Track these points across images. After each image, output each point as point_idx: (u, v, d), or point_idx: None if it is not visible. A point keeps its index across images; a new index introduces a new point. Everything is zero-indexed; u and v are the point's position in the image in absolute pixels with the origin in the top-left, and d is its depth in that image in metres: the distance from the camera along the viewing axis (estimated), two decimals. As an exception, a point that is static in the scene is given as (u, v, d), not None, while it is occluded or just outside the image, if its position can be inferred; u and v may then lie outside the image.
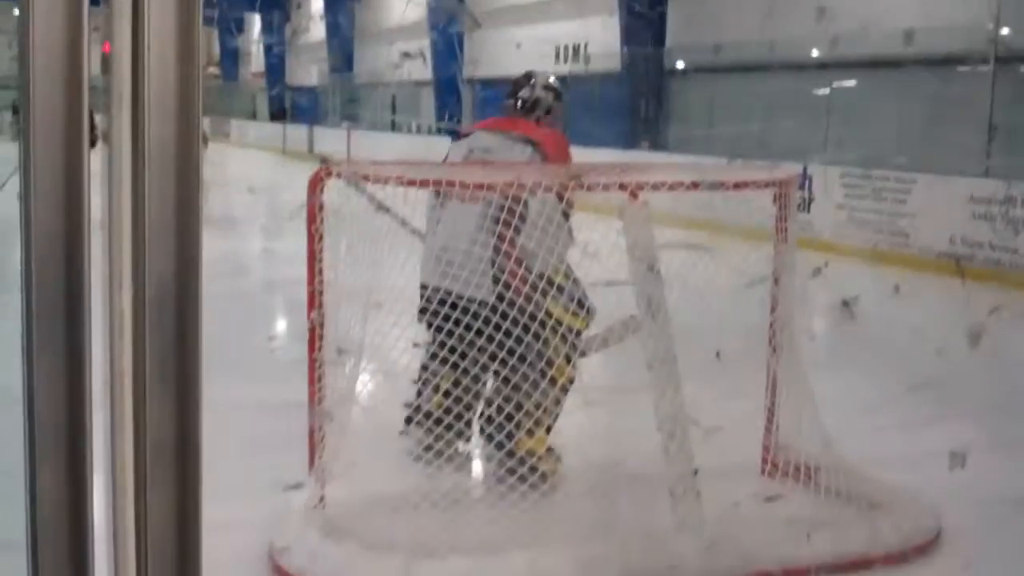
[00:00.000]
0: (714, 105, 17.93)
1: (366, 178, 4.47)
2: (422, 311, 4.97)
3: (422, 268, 5.09)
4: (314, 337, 4.46)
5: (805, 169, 13.52)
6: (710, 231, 5.18)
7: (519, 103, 5.49)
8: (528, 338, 4.65)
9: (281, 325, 9.51)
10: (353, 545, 4.02)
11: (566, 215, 5.08)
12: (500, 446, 4.81)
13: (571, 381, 5.03)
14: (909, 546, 4.39)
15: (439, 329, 4.86)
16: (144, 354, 0.84)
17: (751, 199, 5.08)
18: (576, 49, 22.62)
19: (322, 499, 4.36)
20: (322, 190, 4.50)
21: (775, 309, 5.04)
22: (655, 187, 4.81)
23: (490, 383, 5.03)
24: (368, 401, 4.87)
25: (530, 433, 4.90)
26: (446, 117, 26.25)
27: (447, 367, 4.87)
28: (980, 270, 10.86)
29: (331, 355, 4.45)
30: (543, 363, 4.83)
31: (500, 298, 4.72)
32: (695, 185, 5.04)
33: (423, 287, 5.01)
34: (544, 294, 4.75)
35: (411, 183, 4.61)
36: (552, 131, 5.51)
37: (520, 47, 22.43)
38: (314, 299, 4.49)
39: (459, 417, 4.85)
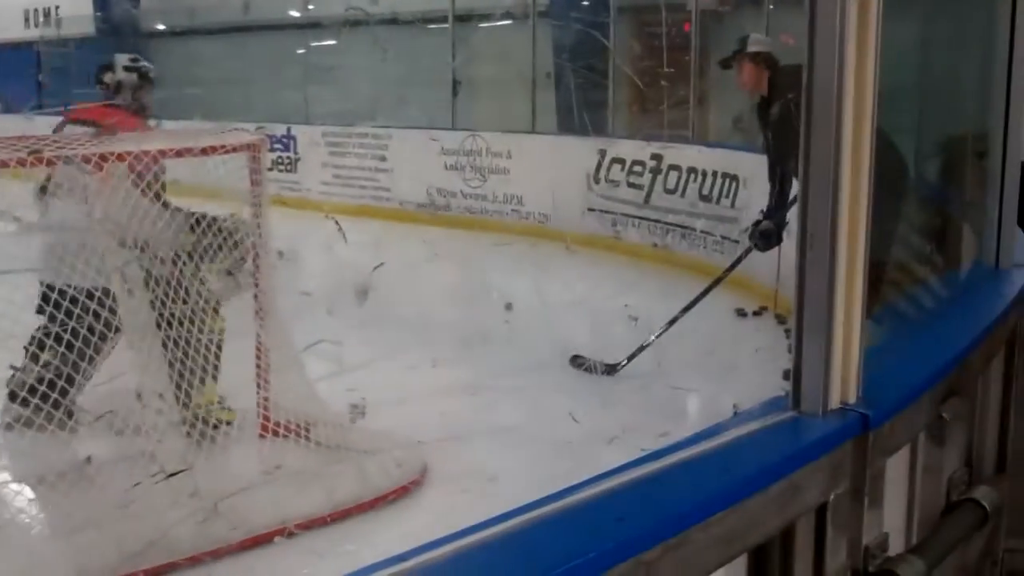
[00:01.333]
0: (195, 68, 17.61)
1: None
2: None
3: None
4: None
5: (289, 129, 13.67)
6: (202, 196, 5.15)
7: (104, 89, 5.53)
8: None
9: None
10: None
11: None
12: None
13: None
14: (397, 486, 4.62)
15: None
16: None
17: (228, 162, 5.10)
18: (47, 12, 21.31)
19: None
20: None
21: (256, 274, 5.08)
22: (120, 157, 4.68)
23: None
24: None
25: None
26: None
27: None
28: (456, 217, 11.55)
29: None
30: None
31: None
32: (162, 153, 4.96)
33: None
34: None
35: None
36: (128, 115, 5.50)
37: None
38: None
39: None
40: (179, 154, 4.85)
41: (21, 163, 4.44)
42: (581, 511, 1.49)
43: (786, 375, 1.88)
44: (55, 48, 19.37)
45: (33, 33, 21.00)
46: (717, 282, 6.76)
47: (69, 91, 17.78)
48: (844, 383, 1.85)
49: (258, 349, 5.13)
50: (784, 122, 5.94)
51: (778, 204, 6.41)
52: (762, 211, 6.56)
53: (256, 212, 5.11)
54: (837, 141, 1.77)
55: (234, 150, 5.07)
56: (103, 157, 4.55)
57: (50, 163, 4.58)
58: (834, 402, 1.84)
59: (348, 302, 6.67)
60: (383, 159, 12.69)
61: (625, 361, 6.30)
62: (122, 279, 4.51)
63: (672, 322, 6.39)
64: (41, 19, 21.52)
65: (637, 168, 10.15)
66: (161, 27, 18.68)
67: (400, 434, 5.04)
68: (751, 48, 6.41)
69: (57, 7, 20.73)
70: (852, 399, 1.86)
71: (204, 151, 4.89)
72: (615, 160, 10.42)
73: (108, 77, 5.54)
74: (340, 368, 5.83)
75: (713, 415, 1.88)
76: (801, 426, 1.81)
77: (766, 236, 6.44)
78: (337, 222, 7.36)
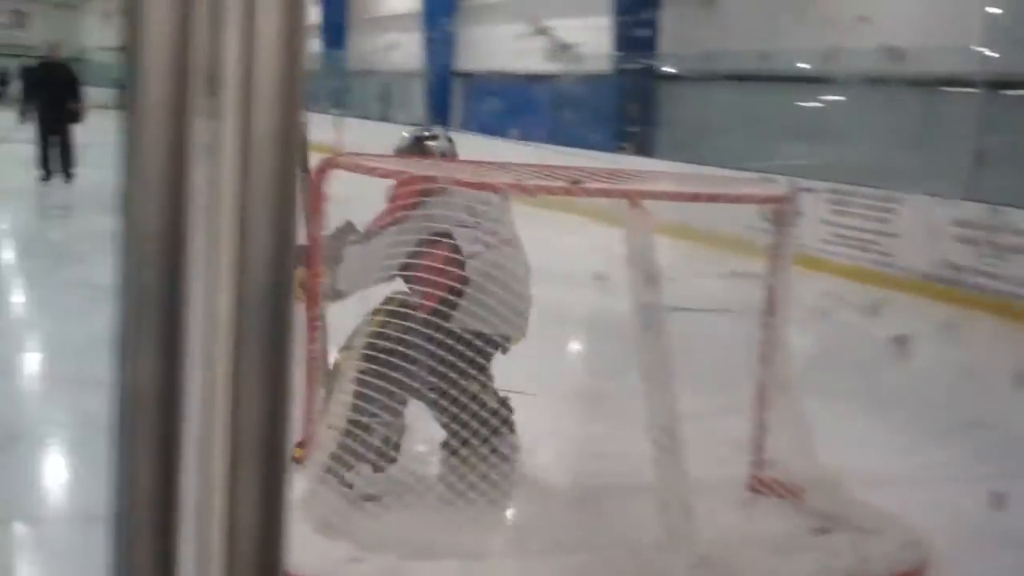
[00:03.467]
0: (704, 113, 17.93)
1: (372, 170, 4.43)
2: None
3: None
4: (314, 333, 4.43)
5: (792, 182, 13.55)
6: (694, 239, 5.18)
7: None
8: None
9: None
10: (345, 543, 3.97)
11: None
12: None
13: None
14: (895, 573, 4.37)
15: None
16: (240, 359, 0.80)
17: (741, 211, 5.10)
18: (567, 48, 22.55)
19: (315, 494, 4.29)
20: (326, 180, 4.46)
21: (769, 323, 5.01)
22: (656, 196, 4.78)
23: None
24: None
25: None
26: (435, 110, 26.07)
27: None
28: (965, 295, 10.90)
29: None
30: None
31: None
32: (695, 196, 5.02)
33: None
34: None
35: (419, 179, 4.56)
36: None
37: (511, 43, 22.41)
38: (316, 292, 4.45)
39: None
40: (712, 199, 4.90)
41: (568, 192, 4.67)
42: None
43: None
44: (569, 84, 20.45)
45: (552, 67, 22.28)
46: None
47: (578, 126, 18.77)
48: None
49: (759, 396, 5.04)
50: None
51: None
52: None
53: (776, 267, 5.05)
54: None
55: (764, 201, 5.04)
56: (640, 194, 4.67)
57: (591, 194, 4.78)
58: None
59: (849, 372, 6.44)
60: (888, 222, 12.26)
61: None
62: (646, 314, 4.58)
63: None
64: (562, 54, 22.80)
65: None
66: (673, 70, 19.19)
67: (904, 519, 4.74)
68: None
69: (576, 44, 21.85)
70: None
71: (737, 199, 4.90)
72: None
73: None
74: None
75: None
76: None
77: None
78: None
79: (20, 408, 6.03)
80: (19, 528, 4.50)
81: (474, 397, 4.56)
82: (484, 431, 4.55)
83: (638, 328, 4.63)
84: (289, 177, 0.78)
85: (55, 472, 5.27)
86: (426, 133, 5.56)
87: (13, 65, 32.46)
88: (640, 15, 18.91)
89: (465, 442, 4.54)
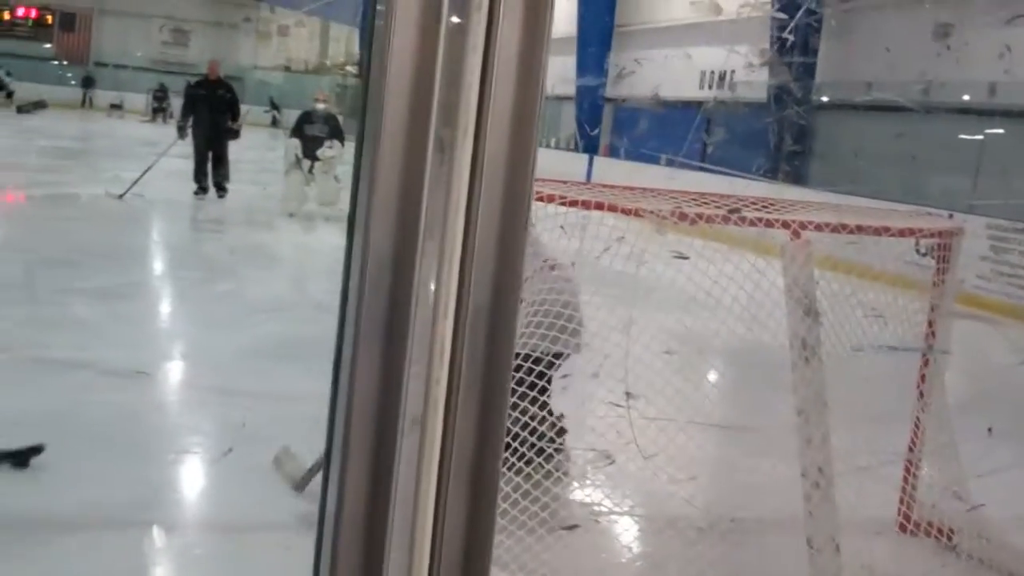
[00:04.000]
0: (860, 143, 17.57)
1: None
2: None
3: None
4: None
5: (951, 217, 13.18)
6: (849, 272, 5.05)
7: None
8: None
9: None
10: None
11: None
12: None
13: None
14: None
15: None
16: (457, 383, 0.81)
17: (894, 244, 4.97)
18: (722, 76, 22.45)
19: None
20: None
21: (927, 362, 4.88)
22: (818, 227, 4.69)
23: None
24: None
25: None
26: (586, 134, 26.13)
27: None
28: None
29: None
30: None
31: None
32: (859, 228, 4.91)
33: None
34: None
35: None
36: None
37: (666, 69, 22.39)
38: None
39: None
40: (878, 232, 4.79)
41: (725, 220, 4.62)
42: None
43: None
44: (724, 112, 20.30)
45: (705, 94, 22.14)
46: None
47: (730, 151, 18.59)
48: None
49: (914, 433, 4.90)
50: None
51: None
52: None
53: (939, 304, 4.92)
54: None
55: (931, 235, 4.91)
56: (802, 225, 4.59)
57: (752, 223, 4.72)
58: None
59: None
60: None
61: None
62: (802, 347, 4.50)
63: None
64: (716, 82, 22.69)
65: None
66: (830, 100, 18.87)
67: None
68: None
69: (733, 72, 21.72)
70: None
71: (903, 233, 4.78)
72: None
73: None
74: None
75: None
76: None
77: None
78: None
79: (165, 415, 6.16)
80: (157, 533, 4.58)
81: (532, 416, 4.67)
82: (535, 448, 4.64)
83: (794, 361, 4.56)
84: (518, 209, 0.80)
85: (195, 479, 5.36)
86: None
87: (174, 83, 33.42)
88: (798, 44, 18.65)
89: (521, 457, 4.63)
